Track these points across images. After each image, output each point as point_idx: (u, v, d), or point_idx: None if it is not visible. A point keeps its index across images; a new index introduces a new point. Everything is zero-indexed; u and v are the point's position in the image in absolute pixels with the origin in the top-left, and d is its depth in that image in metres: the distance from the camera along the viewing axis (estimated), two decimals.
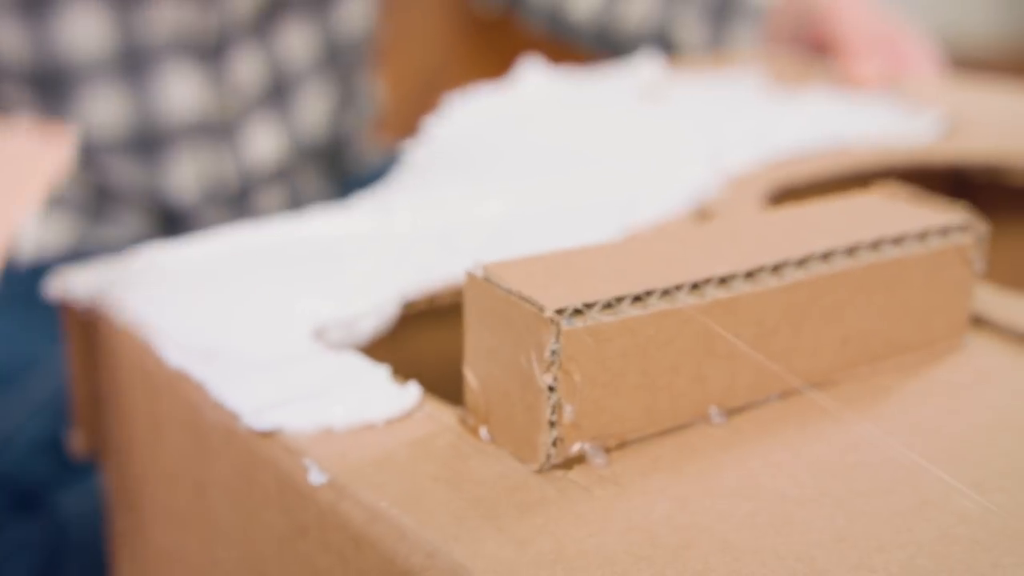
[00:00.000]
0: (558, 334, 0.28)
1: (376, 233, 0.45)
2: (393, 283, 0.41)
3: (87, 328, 0.41)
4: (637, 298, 0.30)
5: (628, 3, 0.82)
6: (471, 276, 0.31)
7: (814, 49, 0.74)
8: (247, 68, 0.77)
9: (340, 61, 0.82)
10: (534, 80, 0.65)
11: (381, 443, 0.31)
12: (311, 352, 0.36)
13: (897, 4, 0.75)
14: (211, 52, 0.74)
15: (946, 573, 0.26)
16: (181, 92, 0.74)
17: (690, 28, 0.79)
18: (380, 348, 0.39)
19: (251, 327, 0.38)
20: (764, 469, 0.30)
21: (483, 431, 0.31)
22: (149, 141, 0.75)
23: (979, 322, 0.38)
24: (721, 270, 0.31)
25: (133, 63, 0.73)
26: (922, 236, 0.35)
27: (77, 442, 0.43)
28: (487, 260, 0.31)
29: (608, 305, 0.29)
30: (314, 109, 0.81)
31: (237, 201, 0.79)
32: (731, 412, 0.32)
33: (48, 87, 0.72)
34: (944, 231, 0.35)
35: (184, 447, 0.36)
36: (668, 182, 0.51)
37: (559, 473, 0.30)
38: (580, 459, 0.30)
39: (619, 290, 0.30)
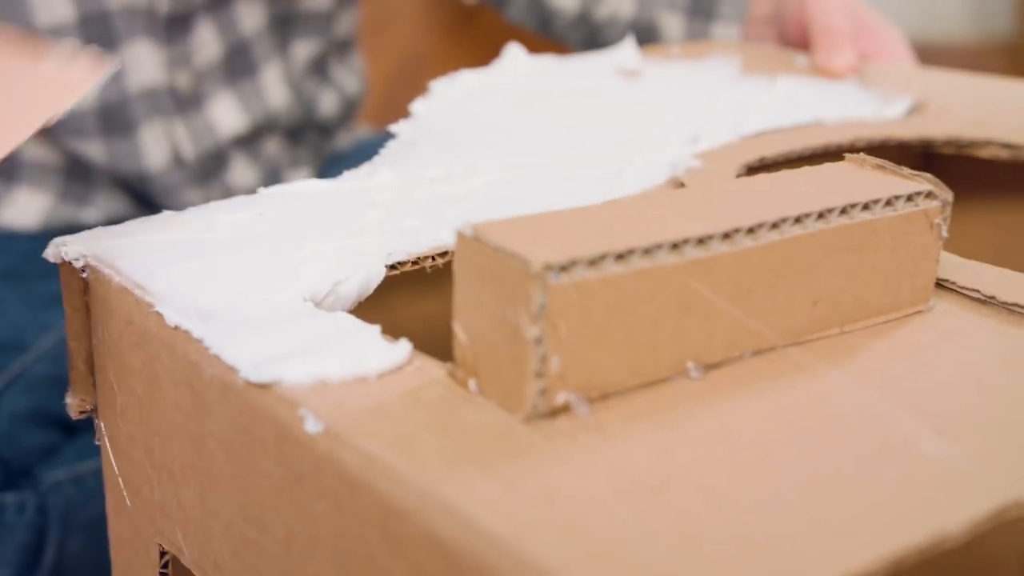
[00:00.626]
0: (545, 288, 0.30)
1: (362, 202, 0.47)
2: (379, 248, 0.42)
3: (84, 291, 0.42)
4: (620, 256, 0.31)
5: (611, 5, 0.83)
6: (461, 235, 0.32)
7: (790, 41, 0.75)
8: (207, 41, 0.78)
9: (298, 34, 0.83)
10: (516, 64, 0.67)
11: (373, 394, 0.32)
12: (303, 312, 0.37)
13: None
14: (171, 24, 0.75)
15: (909, 511, 0.27)
16: (144, 65, 0.75)
17: (671, 20, 0.80)
18: (366, 310, 0.40)
19: (244, 290, 0.39)
20: (739, 418, 0.32)
21: (472, 383, 0.33)
22: (114, 113, 0.76)
23: (943, 287, 0.39)
24: (699, 230, 0.33)
25: (96, 35, 0.74)
26: (890, 201, 0.36)
27: (73, 404, 0.44)
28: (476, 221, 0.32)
29: (592, 262, 0.31)
30: (274, 78, 0.82)
31: (208, 175, 0.80)
32: (708, 367, 0.34)
33: None
34: (911, 197, 0.37)
35: (182, 403, 0.37)
36: (648, 159, 0.53)
37: (545, 422, 0.31)
38: (565, 409, 0.31)
39: (602, 248, 0.31)
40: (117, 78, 0.74)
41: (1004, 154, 0.58)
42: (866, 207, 0.36)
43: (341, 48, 0.90)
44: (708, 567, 0.25)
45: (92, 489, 0.65)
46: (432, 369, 0.34)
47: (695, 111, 0.61)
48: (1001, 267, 0.41)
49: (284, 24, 0.83)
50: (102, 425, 0.43)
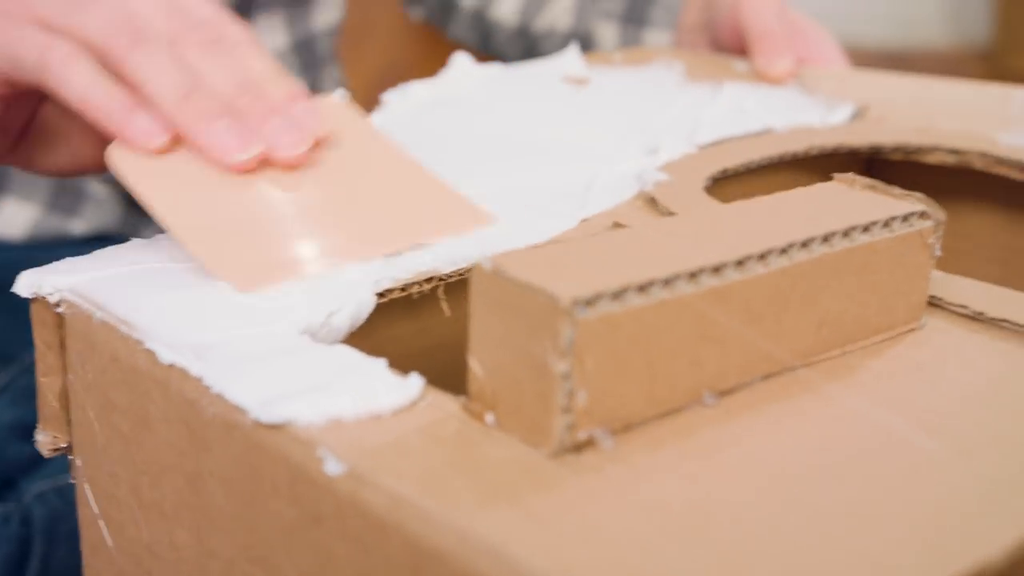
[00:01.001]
0: (573, 323, 0.29)
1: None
2: (363, 274, 0.42)
3: (59, 326, 0.41)
4: (641, 288, 0.31)
5: (548, 6, 0.83)
6: (479, 268, 0.32)
7: (724, 47, 0.75)
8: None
9: (310, 52, 0.83)
10: (464, 73, 0.66)
11: (391, 432, 0.32)
12: (302, 346, 0.37)
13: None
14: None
15: (947, 538, 0.28)
16: None
17: (606, 29, 0.80)
18: (356, 340, 0.40)
19: (235, 323, 0.38)
20: (762, 445, 0.32)
21: (489, 417, 0.32)
22: None
23: (932, 303, 0.40)
24: (713, 259, 0.33)
25: None
26: (888, 223, 0.37)
27: (45, 441, 0.43)
28: (493, 254, 0.32)
29: (616, 295, 0.31)
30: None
31: None
32: (721, 394, 0.34)
33: None
34: (906, 218, 0.37)
35: (176, 441, 0.36)
36: (613, 172, 0.53)
37: (571, 456, 0.31)
38: (589, 443, 0.31)
39: (624, 280, 0.31)
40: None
41: (950, 159, 0.60)
42: (866, 229, 0.36)
43: (329, 63, 0.89)
44: None
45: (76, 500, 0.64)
46: (445, 403, 0.33)
47: (648, 120, 0.61)
48: (968, 277, 0.42)
49: (304, 46, 0.83)
50: (78, 462, 0.42)
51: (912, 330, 0.39)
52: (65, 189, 0.77)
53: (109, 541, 0.41)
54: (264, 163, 0.45)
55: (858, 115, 0.64)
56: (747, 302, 0.33)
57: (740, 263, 0.33)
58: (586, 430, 0.31)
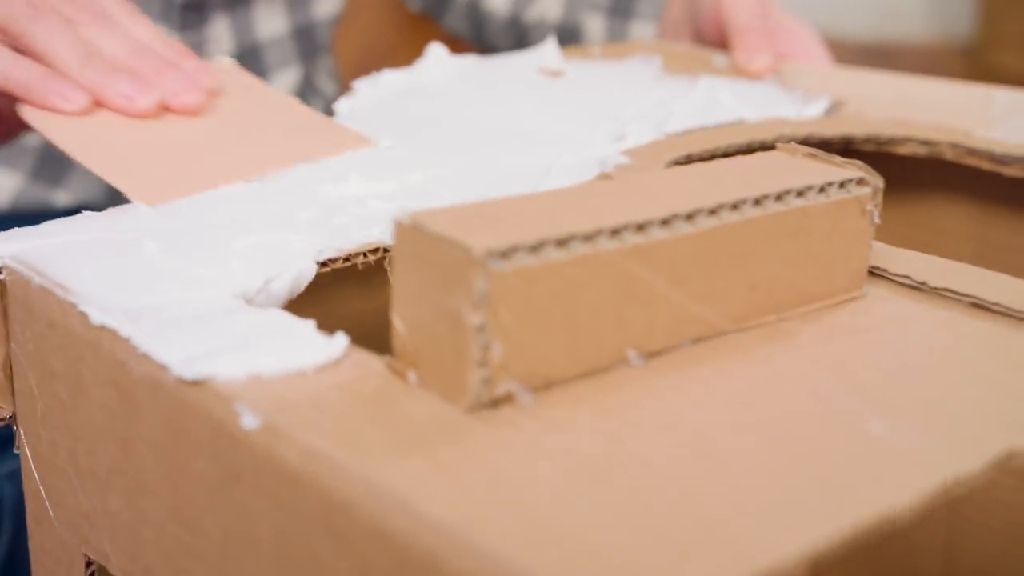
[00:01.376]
0: (487, 275, 0.29)
1: (290, 200, 0.46)
2: (308, 245, 0.42)
3: (2, 294, 0.41)
4: (560, 242, 0.31)
5: (539, 9, 0.84)
6: (400, 223, 0.32)
7: (706, 41, 0.75)
8: (221, 37, 0.79)
9: (310, 40, 0.84)
10: (439, 64, 0.66)
11: (311, 388, 0.32)
12: (235, 309, 0.37)
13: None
14: (187, 12, 0.77)
15: (857, 490, 0.27)
16: None
17: (594, 21, 0.81)
18: (297, 308, 0.40)
19: (173, 289, 0.38)
20: (683, 404, 0.32)
21: (411, 375, 0.32)
22: None
23: (875, 274, 0.40)
24: (638, 216, 0.33)
25: None
26: (823, 188, 0.37)
27: None
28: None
29: (533, 248, 0.30)
30: (283, 86, 0.83)
31: None
32: (648, 355, 0.34)
33: None
34: (843, 184, 0.37)
35: (108, 405, 0.36)
36: (575, 156, 0.53)
37: (488, 412, 0.31)
38: (507, 399, 0.31)
39: (542, 234, 0.31)
40: None
41: (922, 151, 0.59)
42: (800, 194, 0.36)
43: (325, 53, 0.90)
44: (660, 549, 0.25)
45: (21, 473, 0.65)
46: (370, 362, 0.33)
47: (619, 110, 0.61)
48: None
49: (303, 34, 0.84)
50: (21, 433, 0.42)
51: (853, 298, 0.39)
52: (50, 159, 0.78)
53: (51, 511, 0.41)
54: (163, 111, 0.53)
55: (833, 109, 0.63)
56: (673, 262, 0.33)
57: (665, 222, 0.33)
58: (503, 385, 0.31)
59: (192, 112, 0.53)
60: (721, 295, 0.35)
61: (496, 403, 0.31)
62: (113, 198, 0.80)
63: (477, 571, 0.24)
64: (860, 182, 0.37)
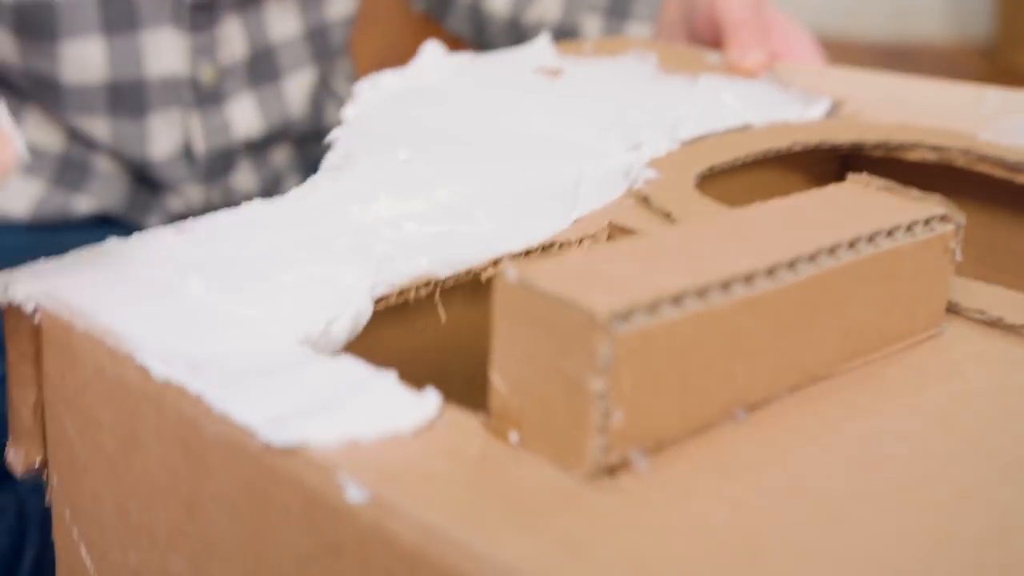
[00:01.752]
0: (611, 339, 0.28)
1: (325, 225, 0.44)
2: (357, 278, 0.40)
3: (34, 334, 0.39)
4: (675, 299, 0.30)
5: (539, 10, 0.84)
6: (503, 280, 0.30)
7: (700, 40, 0.75)
8: (233, 38, 0.78)
9: (324, 42, 0.83)
10: (436, 63, 0.65)
11: (413, 455, 0.30)
12: (303, 358, 0.35)
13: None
14: (197, 12, 0.75)
15: (1010, 560, 0.27)
16: (165, 52, 0.75)
17: (591, 22, 0.81)
18: (353, 347, 0.38)
19: (231, 335, 0.36)
20: (801, 465, 0.31)
21: (513, 436, 0.31)
22: (127, 93, 0.75)
23: (950, 309, 0.39)
24: (743, 268, 0.32)
25: (117, 14, 0.73)
26: (910, 227, 0.36)
27: (17, 458, 0.40)
28: (523, 267, 0.31)
29: (651, 308, 0.29)
30: (297, 87, 0.82)
31: (213, 173, 0.79)
32: (750, 407, 0.33)
33: (31, 29, 0.72)
34: (928, 221, 0.36)
35: (172, 464, 0.34)
36: (598, 168, 0.52)
37: (605, 479, 0.29)
38: (623, 465, 0.30)
39: (657, 292, 0.30)
40: (134, 59, 0.74)
41: (932, 156, 0.59)
42: (890, 234, 0.35)
43: (342, 55, 0.90)
44: None
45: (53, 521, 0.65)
46: (465, 421, 0.32)
47: (625, 113, 0.60)
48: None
49: (316, 35, 0.83)
50: (54, 482, 0.40)
51: (932, 336, 0.38)
52: (71, 164, 0.76)
53: (89, 565, 0.39)
54: None
55: (833, 111, 0.63)
56: (777, 312, 0.32)
57: (771, 271, 0.32)
58: (620, 451, 0.30)
59: None
60: (817, 341, 0.34)
61: (612, 470, 0.30)
62: (134, 206, 0.79)
63: None
64: (943, 219, 0.37)
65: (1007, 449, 0.32)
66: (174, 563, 0.36)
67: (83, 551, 0.39)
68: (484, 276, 0.43)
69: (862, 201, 0.38)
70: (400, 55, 0.68)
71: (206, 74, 0.78)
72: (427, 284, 0.41)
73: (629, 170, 0.52)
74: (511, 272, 0.30)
